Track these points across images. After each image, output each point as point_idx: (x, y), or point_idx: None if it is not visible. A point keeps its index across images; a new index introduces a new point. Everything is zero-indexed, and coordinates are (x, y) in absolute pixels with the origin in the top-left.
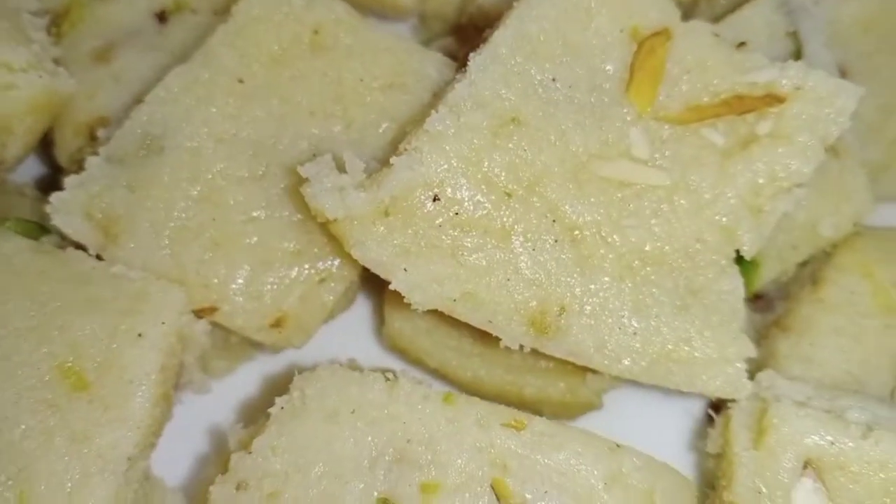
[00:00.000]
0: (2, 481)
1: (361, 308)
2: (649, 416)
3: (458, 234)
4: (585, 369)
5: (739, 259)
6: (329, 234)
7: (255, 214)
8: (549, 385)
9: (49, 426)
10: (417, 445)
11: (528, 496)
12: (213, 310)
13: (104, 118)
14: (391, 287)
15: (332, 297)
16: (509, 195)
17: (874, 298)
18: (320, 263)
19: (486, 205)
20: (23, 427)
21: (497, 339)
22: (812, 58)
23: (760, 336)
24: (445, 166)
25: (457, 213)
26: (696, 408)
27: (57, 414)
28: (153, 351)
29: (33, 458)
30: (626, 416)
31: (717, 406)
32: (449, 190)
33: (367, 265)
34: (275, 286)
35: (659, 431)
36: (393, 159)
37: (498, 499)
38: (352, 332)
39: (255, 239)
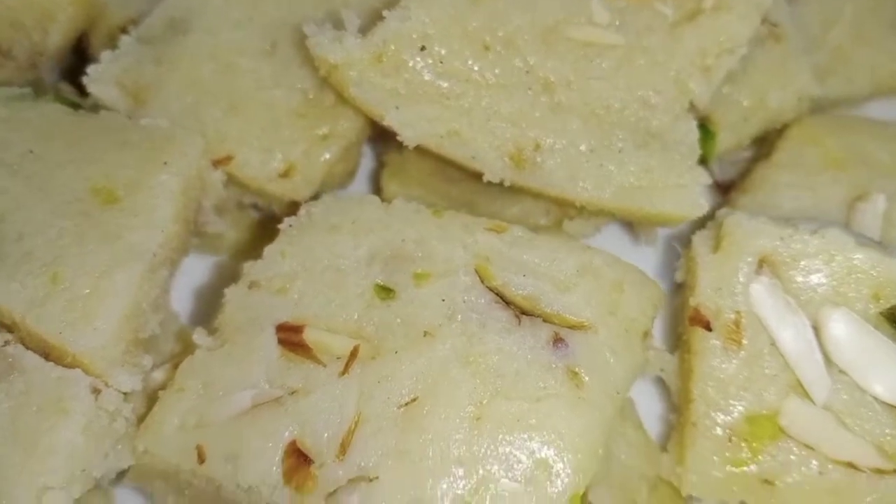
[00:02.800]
0: (37, 267)
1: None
2: None
3: (443, 81)
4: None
5: (701, 128)
6: (330, 102)
7: (266, 84)
8: None
9: (82, 228)
10: (410, 244)
11: (507, 279)
12: (228, 159)
13: (134, 20)
14: (385, 123)
15: (332, 153)
16: (487, 48)
17: (822, 158)
18: (323, 123)
19: (467, 56)
20: (58, 228)
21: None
22: None
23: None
24: (430, 20)
25: (441, 62)
26: None
27: (90, 219)
28: (177, 176)
29: (67, 250)
30: None
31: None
32: (434, 42)
33: (363, 104)
34: (283, 141)
35: None
36: (385, 13)
37: (482, 280)
38: None
39: (267, 104)
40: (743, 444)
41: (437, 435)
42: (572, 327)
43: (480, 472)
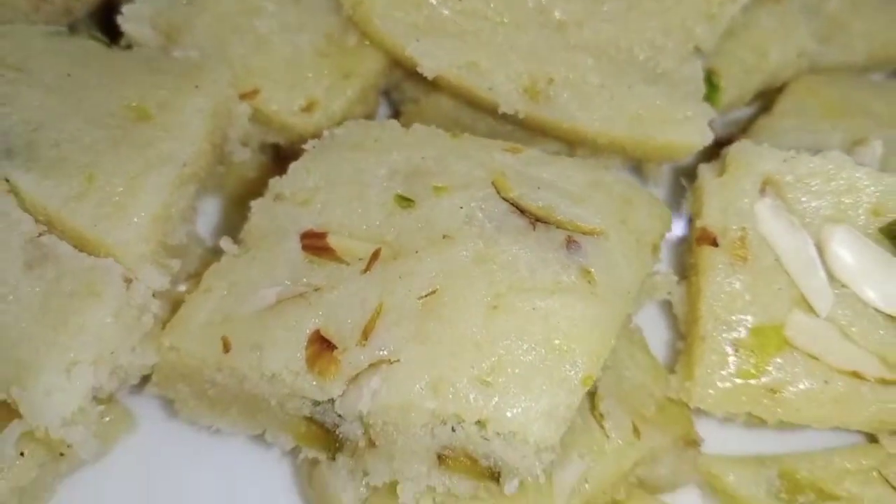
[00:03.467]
0: (73, 168)
1: None
2: None
3: (461, 17)
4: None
5: (706, 80)
6: (353, 43)
7: (291, 27)
8: None
9: (116, 138)
10: (430, 161)
11: (523, 192)
12: (255, 93)
13: None
14: (406, 54)
15: (353, 91)
16: None
17: (822, 108)
18: (345, 63)
19: None
20: (93, 137)
21: None
22: None
23: None
24: None
25: (459, 1)
26: None
27: (124, 132)
28: (208, 98)
29: (101, 155)
30: None
31: None
32: None
33: (385, 38)
34: (306, 78)
35: None
36: None
37: (498, 192)
38: None
39: (291, 44)
40: (750, 356)
41: (456, 322)
42: (585, 233)
43: (497, 353)
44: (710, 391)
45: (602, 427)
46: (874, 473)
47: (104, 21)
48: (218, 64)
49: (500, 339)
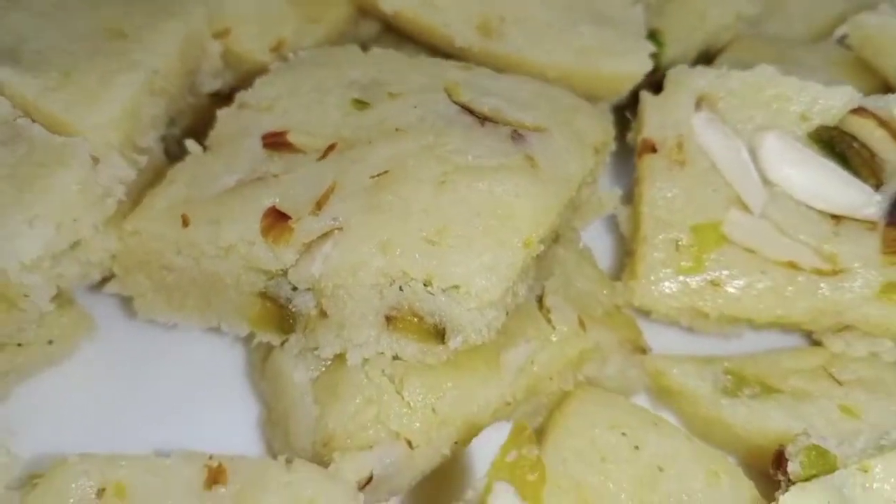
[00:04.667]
0: (51, 66)
1: None
2: None
3: None
4: None
5: (650, 37)
6: None
7: None
8: None
9: (94, 49)
10: (386, 73)
11: (473, 97)
12: (227, 32)
13: None
14: None
15: (320, 34)
16: None
17: (758, 62)
18: (312, 10)
19: None
20: (73, 47)
21: None
22: None
23: None
24: None
25: None
26: None
27: (101, 45)
28: (181, 24)
29: (79, 59)
30: None
31: None
32: None
33: None
34: (275, 21)
35: None
36: None
37: (450, 96)
38: None
39: None
40: (690, 253)
41: (405, 194)
42: (529, 129)
43: (444, 219)
44: (654, 288)
45: (548, 320)
46: (820, 371)
47: None
48: (194, 2)
49: (447, 208)
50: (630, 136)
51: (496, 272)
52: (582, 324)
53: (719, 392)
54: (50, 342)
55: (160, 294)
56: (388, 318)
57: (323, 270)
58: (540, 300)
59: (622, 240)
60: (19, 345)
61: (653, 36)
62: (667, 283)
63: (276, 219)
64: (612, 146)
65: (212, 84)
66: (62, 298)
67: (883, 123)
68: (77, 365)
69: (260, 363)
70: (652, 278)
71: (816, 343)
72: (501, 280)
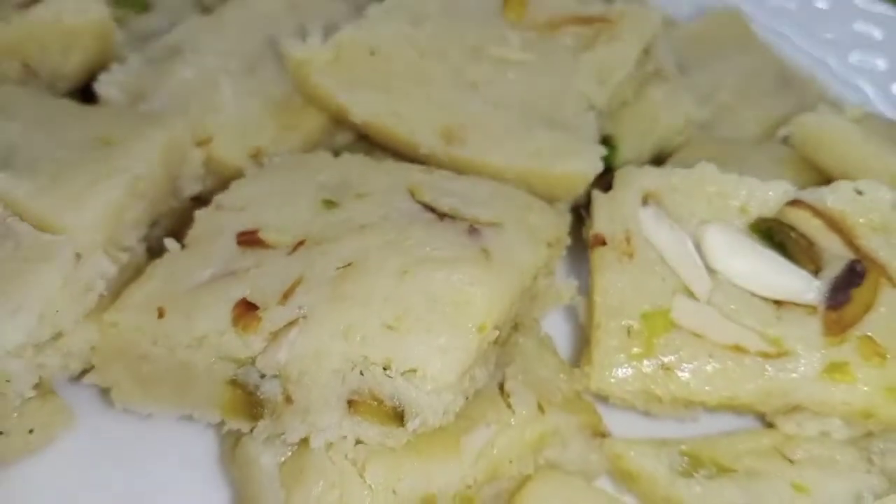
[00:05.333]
0: (40, 172)
1: None
2: None
3: (387, 78)
4: None
5: (604, 142)
6: (297, 105)
7: (245, 93)
8: None
9: (83, 156)
10: (353, 176)
11: (434, 197)
12: (208, 140)
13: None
14: (339, 101)
15: (297, 140)
16: (423, 56)
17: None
18: (289, 120)
19: (409, 60)
20: (62, 154)
21: None
22: None
23: None
24: (379, 34)
25: (387, 64)
26: None
27: (89, 151)
28: (164, 132)
29: (68, 164)
30: None
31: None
32: (381, 49)
33: (322, 90)
34: (254, 130)
35: None
36: (342, 25)
37: (412, 196)
38: None
39: (244, 107)
40: (641, 338)
41: (367, 283)
42: (485, 224)
43: (403, 306)
44: (608, 374)
45: (508, 404)
46: (773, 451)
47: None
48: (177, 115)
49: (406, 296)
50: (585, 231)
51: (451, 355)
52: (541, 408)
53: (676, 473)
54: (31, 431)
55: (136, 384)
56: (350, 403)
57: (288, 357)
58: (501, 386)
59: (581, 329)
60: (0, 433)
61: (606, 141)
62: (620, 369)
63: (246, 309)
64: (568, 241)
65: (193, 188)
66: (43, 389)
67: (818, 214)
68: (55, 454)
69: (230, 450)
70: (606, 363)
71: (770, 425)
72: (456, 363)
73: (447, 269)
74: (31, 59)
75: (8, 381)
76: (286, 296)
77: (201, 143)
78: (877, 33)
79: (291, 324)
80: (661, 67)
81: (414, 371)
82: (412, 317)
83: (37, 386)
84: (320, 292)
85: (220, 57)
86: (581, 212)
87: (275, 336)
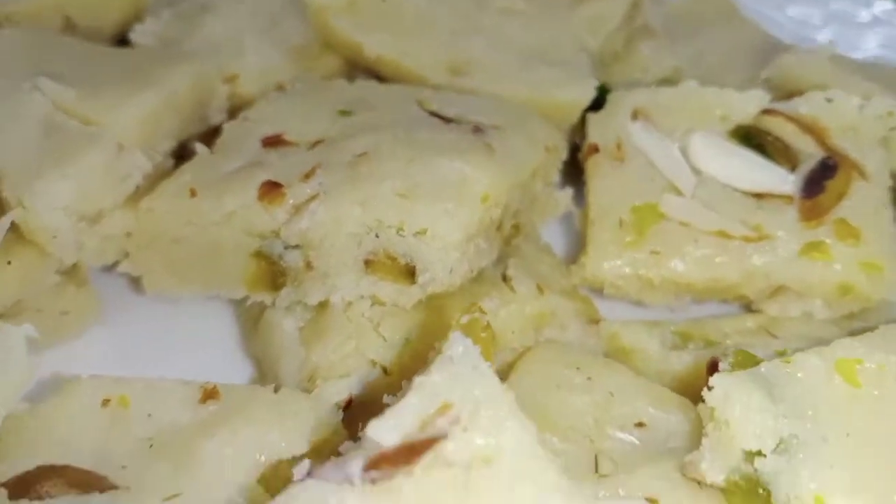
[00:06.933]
0: (85, 81)
1: None
2: None
3: (399, 19)
4: None
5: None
6: (315, 52)
7: (267, 44)
8: None
9: (125, 74)
10: (367, 94)
11: (441, 107)
12: (234, 77)
13: None
14: (355, 40)
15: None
16: (430, 2)
17: None
18: (308, 63)
19: (419, 3)
20: (104, 70)
21: None
22: None
23: None
24: None
25: (398, 8)
26: None
27: (129, 73)
28: (195, 64)
29: (111, 76)
30: None
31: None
32: None
33: (340, 33)
34: (277, 70)
35: None
36: None
37: (420, 105)
38: None
39: (266, 55)
40: (632, 228)
41: (381, 166)
42: (489, 127)
43: (414, 180)
44: (602, 260)
45: (510, 287)
46: (759, 329)
47: None
48: (207, 56)
49: (416, 176)
50: (581, 156)
51: (457, 218)
52: (540, 290)
53: (667, 348)
54: (65, 313)
55: (168, 269)
56: (367, 263)
57: (310, 225)
58: (503, 276)
59: (578, 238)
60: (38, 310)
61: (600, 90)
62: (614, 256)
63: (271, 187)
64: (564, 156)
65: (218, 118)
66: (79, 278)
67: (791, 119)
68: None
69: (252, 325)
70: (601, 252)
71: (756, 312)
72: (462, 224)
73: (453, 155)
74: (72, 13)
75: (54, 237)
76: (307, 176)
77: (228, 80)
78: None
79: (312, 198)
80: (648, 24)
81: (424, 231)
82: (422, 189)
83: (73, 273)
84: (338, 173)
85: (245, 13)
86: (576, 141)
87: (297, 209)
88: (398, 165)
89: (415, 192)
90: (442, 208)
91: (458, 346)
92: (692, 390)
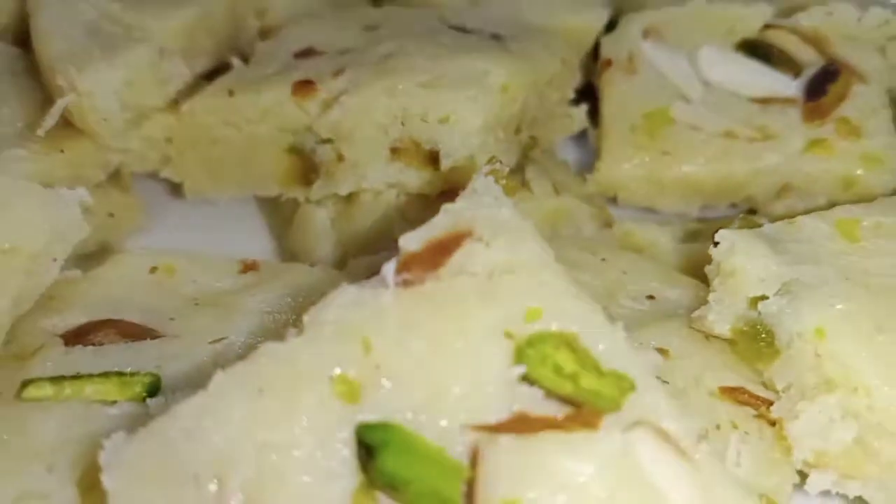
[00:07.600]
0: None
1: None
2: None
3: None
4: None
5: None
6: None
7: None
8: None
9: None
10: (392, 16)
11: (460, 21)
12: (265, 11)
13: None
14: None
15: None
16: None
17: None
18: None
19: None
20: None
21: None
22: None
23: None
24: None
25: None
26: None
27: None
28: None
29: None
30: None
31: None
32: None
33: None
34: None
35: None
36: None
37: (445, 22)
38: None
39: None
40: (644, 132)
41: (408, 62)
42: (507, 35)
43: (436, 73)
44: (616, 164)
45: (528, 188)
46: None
47: None
48: None
49: (439, 69)
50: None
51: (478, 104)
52: (556, 190)
53: (678, 241)
54: (111, 215)
55: (206, 173)
56: (393, 150)
57: (340, 116)
58: (522, 182)
59: (594, 157)
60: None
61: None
62: (626, 159)
63: (304, 83)
64: (578, 76)
65: (248, 49)
66: (123, 184)
67: (794, 31)
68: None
69: (286, 224)
70: (614, 156)
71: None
72: (482, 111)
73: (474, 54)
74: None
75: (105, 119)
76: (337, 74)
77: (259, 15)
78: None
79: (342, 92)
80: None
81: (447, 118)
82: (445, 80)
83: (116, 179)
84: (366, 70)
85: None
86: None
87: (328, 103)
88: (422, 62)
89: (438, 82)
90: (464, 95)
91: (482, 182)
92: (702, 275)
